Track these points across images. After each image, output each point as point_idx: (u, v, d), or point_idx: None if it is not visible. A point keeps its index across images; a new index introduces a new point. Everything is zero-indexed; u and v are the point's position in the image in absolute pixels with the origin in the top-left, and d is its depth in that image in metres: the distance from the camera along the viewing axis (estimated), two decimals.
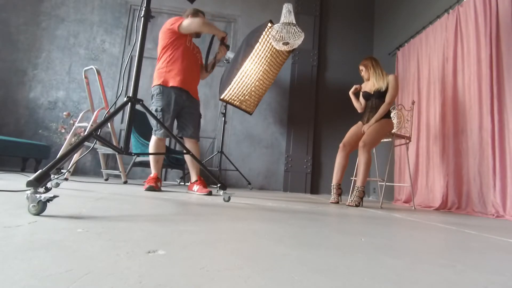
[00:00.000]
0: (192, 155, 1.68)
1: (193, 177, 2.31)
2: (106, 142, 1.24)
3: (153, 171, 2.24)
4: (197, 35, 2.47)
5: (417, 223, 1.39)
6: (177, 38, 2.26)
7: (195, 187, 2.22)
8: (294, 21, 3.23)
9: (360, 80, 4.32)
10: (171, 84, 2.23)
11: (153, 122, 2.29)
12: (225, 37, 2.32)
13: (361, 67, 2.65)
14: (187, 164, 2.39)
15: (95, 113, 2.55)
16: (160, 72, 2.26)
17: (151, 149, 2.27)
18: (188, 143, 2.32)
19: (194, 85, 2.40)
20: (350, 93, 2.75)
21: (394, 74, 2.52)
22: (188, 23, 2.20)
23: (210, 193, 2.12)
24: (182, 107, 2.31)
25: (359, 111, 2.72)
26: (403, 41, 3.85)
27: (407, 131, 2.80)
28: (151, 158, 2.28)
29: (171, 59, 2.26)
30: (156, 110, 2.20)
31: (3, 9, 4.07)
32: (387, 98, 2.46)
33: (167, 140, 4.12)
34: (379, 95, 2.51)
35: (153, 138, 2.26)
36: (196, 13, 2.39)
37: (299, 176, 4.14)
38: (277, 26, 2.66)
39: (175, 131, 2.38)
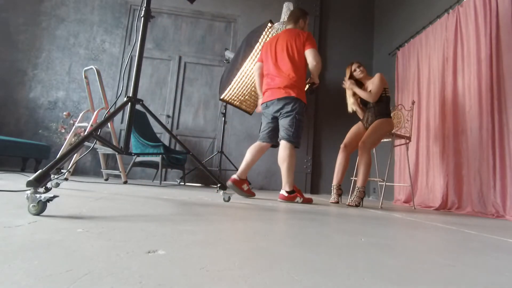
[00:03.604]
0: (193, 155, 1.68)
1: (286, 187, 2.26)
2: (106, 142, 1.24)
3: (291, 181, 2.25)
4: None
5: (417, 223, 1.39)
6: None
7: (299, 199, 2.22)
8: None
9: None
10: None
11: (293, 129, 2.21)
12: (316, 84, 2.37)
13: (357, 65, 2.63)
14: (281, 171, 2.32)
15: (95, 113, 2.55)
16: (301, 88, 2.27)
17: (292, 161, 2.26)
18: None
19: None
20: (352, 104, 2.71)
21: (379, 73, 2.53)
22: (318, 66, 2.20)
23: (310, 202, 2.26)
24: None
25: (361, 117, 2.72)
26: (403, 41, 3.85)
27: (407, 131, 2.80)
28: (291, 168, 2.26)
29: (303, 76, 2.30)
30: (300, 120, 2.25)
31: (3, 9, 4.07)
32: (372, 90, 2.46)
33: (167, 140, 4.12)
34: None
35: (291, 146, 2.22)
36: (304, 15, 2.40)
37: (299, 176, 4.14)
38: (277, 25, 2.66)
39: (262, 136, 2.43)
